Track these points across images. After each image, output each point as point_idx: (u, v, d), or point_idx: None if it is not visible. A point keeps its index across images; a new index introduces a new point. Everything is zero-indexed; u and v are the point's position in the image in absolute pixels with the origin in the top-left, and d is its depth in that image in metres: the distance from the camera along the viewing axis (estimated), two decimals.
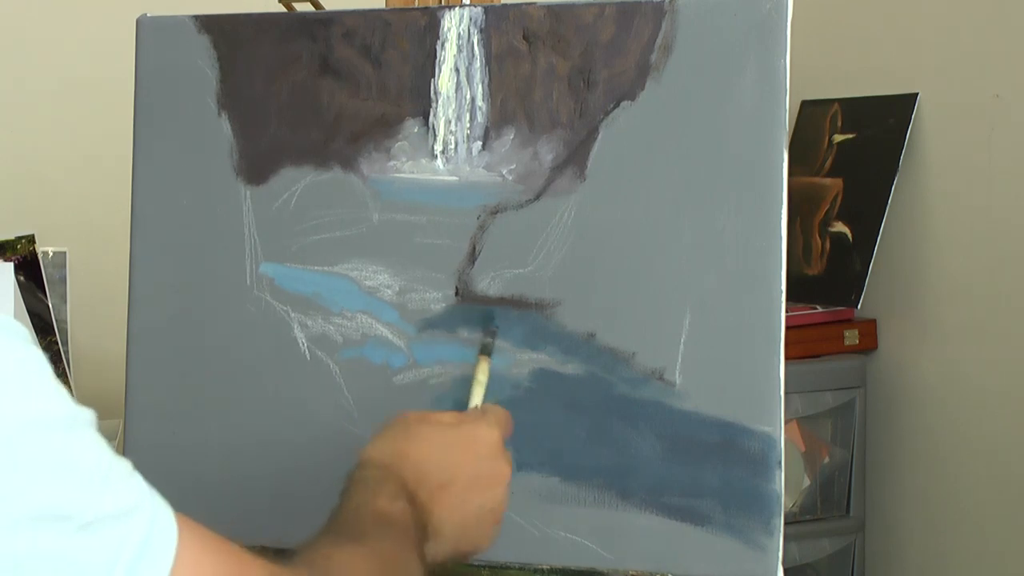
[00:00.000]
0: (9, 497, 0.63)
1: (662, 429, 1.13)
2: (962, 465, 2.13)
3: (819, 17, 2.33)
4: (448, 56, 1.19)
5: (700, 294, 1.12)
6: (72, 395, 0.68)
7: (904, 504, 2.23)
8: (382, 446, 0.99)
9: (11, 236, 2.09)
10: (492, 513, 1.01)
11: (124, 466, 0.69)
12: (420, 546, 0.93)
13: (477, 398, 1.11)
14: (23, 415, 0.64)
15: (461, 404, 1.15)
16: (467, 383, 1.16)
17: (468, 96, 1.19)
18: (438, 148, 1.19)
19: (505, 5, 1.19)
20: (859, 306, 2.22)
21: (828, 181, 2.32)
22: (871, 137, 2.27)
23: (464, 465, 0.99)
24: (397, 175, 1.20)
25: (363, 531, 0.88)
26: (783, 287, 1.10)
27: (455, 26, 1.19)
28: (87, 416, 0.67)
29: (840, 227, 2.28)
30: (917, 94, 2.19)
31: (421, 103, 1.20)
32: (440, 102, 1.19)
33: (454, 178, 1.19)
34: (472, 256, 1.17)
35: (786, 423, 1.11)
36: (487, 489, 1.00)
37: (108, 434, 1.82)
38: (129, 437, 1.23)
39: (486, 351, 1.15)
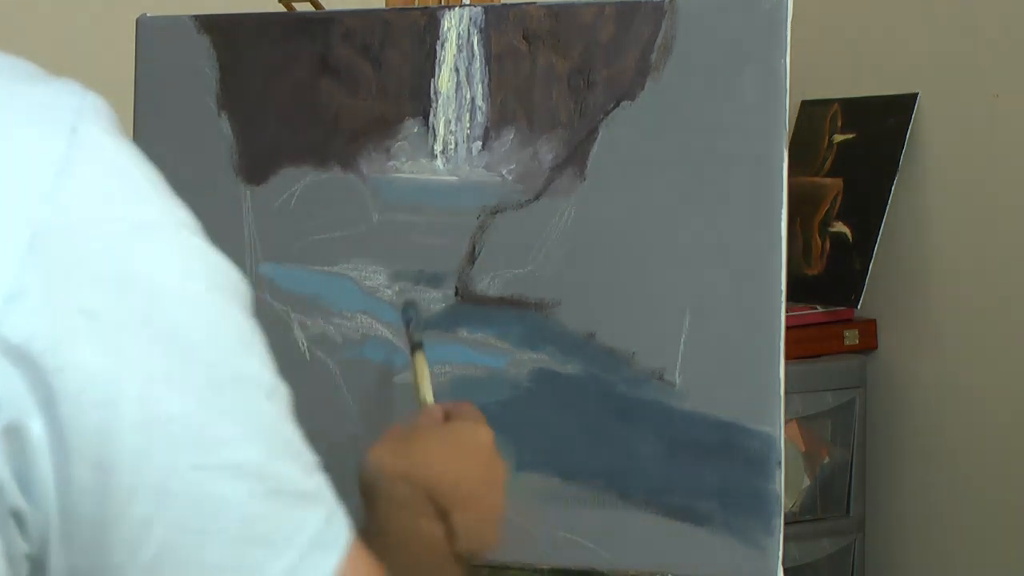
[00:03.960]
0: (221, 442, 0.64)
1: (662, 429, 1.12)
2: (962, 465, 2.13)
3: (819, 17, 2.33)
4: (448, 56, 1.19)
5: (700, 294, 1.12)
6: None
7: (904, 504, 2.23)
8: (393, 458, 0.99)
9: None
10: (496, 511, 1.03)
11: (313, 457, 0.72)
12: (459, 559, 0.97)
13: (431, 395, 1.10)
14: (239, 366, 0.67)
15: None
16: (468, 383, 1.15)
17: (468, 96, 1.19)
18: (438, 148, 1.19)
19: (505, 5, 1.19)
20: (859, 306, 2.21)
21: (828, 181, 2.32)
22: (871, 137, 2.27)
23: (470, 469, 1.01)
24: (397, 175, 1.20)
25: (417, 561, 0.93)
26: (783, 287, 1.10)
27: (455, 26, 1.19)
28: (284, 392, 0.70)
29: (840, 227, 2.27)
30: (917, 94, 2.19)
31: (421, 103, 1.20)
32: (440, 102, 1.19)
33: (454, 178, 1.19)
34: (472, 256, 1.17)
35: (786, 423, 1.11)
36: (491, 489, 1.02)
37: None
38: None
39: (419, 346, 1.12)
